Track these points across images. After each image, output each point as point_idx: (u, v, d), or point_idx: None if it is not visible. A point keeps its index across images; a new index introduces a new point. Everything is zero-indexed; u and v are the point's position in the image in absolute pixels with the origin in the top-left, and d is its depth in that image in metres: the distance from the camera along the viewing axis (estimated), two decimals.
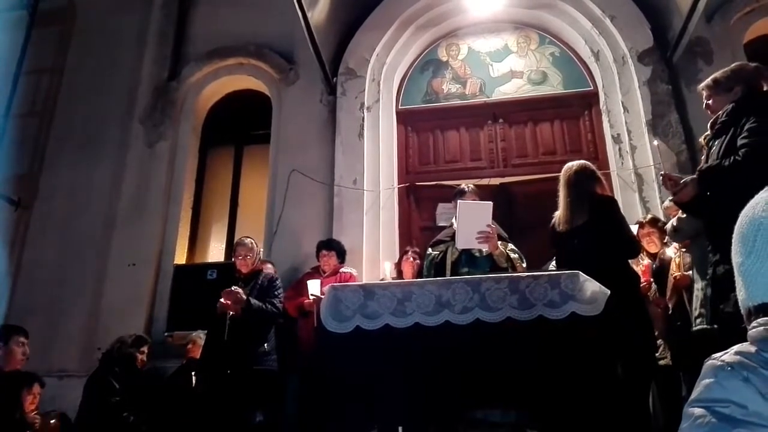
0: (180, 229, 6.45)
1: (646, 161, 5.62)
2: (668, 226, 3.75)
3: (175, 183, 6.61)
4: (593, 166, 3.60)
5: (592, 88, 6.39)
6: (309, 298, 4.42)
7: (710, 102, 2.89)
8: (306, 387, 4.56)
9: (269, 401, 4.33)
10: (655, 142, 3.28)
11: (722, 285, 2.53)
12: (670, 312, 4.10)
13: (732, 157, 2.54)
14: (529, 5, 6.60)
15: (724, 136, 2.69)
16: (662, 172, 2.86)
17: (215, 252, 6.72)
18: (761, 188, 0.87)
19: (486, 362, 2.58)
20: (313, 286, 4.34)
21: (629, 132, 5.82)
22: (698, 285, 3.62)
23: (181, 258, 6.42)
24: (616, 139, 5.91)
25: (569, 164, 3.58)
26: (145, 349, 4.98)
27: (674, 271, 4.00)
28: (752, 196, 0.88)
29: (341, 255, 5.11)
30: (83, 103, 7.11)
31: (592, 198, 3.39)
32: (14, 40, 7.44)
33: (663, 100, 5.78)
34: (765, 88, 2.79)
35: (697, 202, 2.72)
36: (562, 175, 3.54)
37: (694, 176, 2.73)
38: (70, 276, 6.21)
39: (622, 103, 5.96)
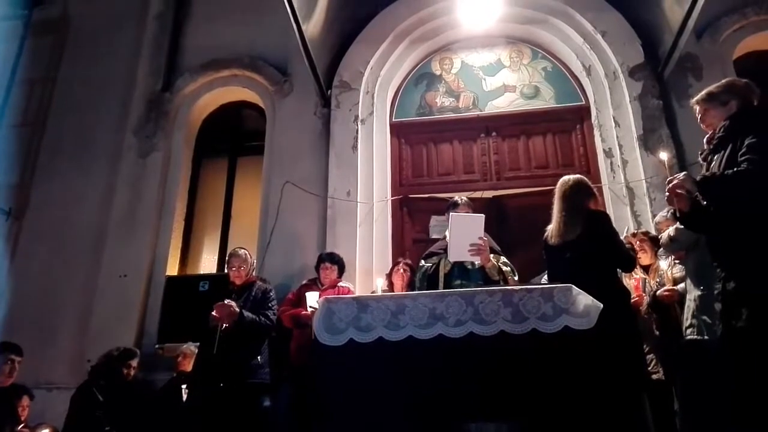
0: (172, 240, 6.42)
1: (638, 175, 5.67)
2: (663, 236, 3.76)
3: (167, 194, 6.58)
4: (588, 182, 3.62)
5: (583, 102, 6.46)
6: (307, 310, 4.40)
7: (705, 116, 2.90)
8: (298, 400, 4.52)
9: (261, 414, 4.29)
10: (664, 157, 3.28)
11: (733, 301, 2.55)
12: (654, 326, 4.12)
13: (734, 169, 2.54)
14: (521, 21, 6.68)
15: (722, 151, 2.69)
16: (669, 188, 2.82)
17: (208, 263, 6.69)
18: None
19: (479, 375, 2.58)
20: (312, 298, 4.32)
21: (620, 146, 5.88)
22: (690, 296, 3.63)
23: (173, 269, 6.38)
24: (608, 153, 5.97)
25: (565, 178, 3.61)
26: (133, 362, 4.94)
27: (667, 284, 4.00)
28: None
29: (342, 270, 5.09)
30: (76, 113, 7.10)
31: (586, 213, 3.42)
32: (7, 50, 7.45)
33: (654, 115, 5.84)
34: (755, 104, 2.81)
35: (698, 215, 2.72)
36: (558, 189, 3.57)
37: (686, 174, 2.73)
38: (61, 287, 6.17)
39: (614, 117, 6.02)
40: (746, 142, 2.57)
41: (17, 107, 7.23)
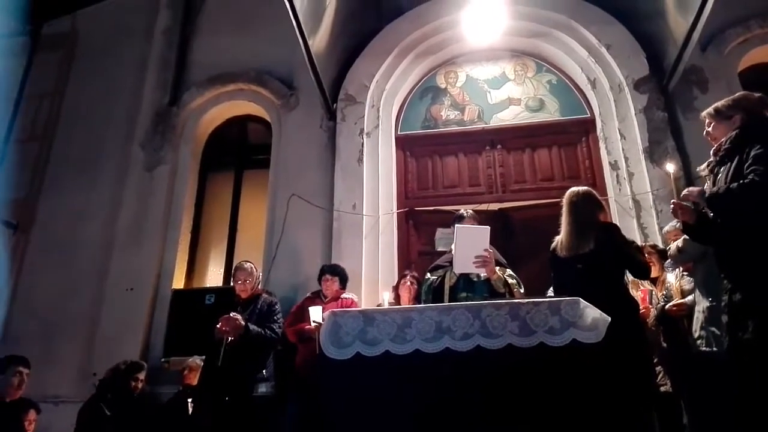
0: (178, 253, 6.44)
1: (644, 188, 5.66)
2: (672, 247, 3.75)
3: (174, 207, 6.61)
4: (597, 194, 3.61)
5: (589, 115, 6.47)
6: (310, 324, 4.39)
7: (711, 129, 2.93)
8: (304, 414, 4.50)
9: (266, 428, 4.27)
10: (671, 169, 3.30)
11: (740, 313, 2.54)
12: (661, 338, 4.10)
13: (740, 181, 2.55)
14: (526, 34, 6.71)
15: (729, 163, 2.71)
16: (673, 201, 2.84)
17: (214, 277, 6.69)
18: None
19: (486, 389, 2.57)
20: (315, 313, 4.30)
21: (626, 159, 5.88)
22: (699, 307, 3.61)
23: (179, 283, 6.40)
24: (614, 166, 5.96)
25: (574, 189, 3.58)
26: (140, 375, 4.94)
27: (674, 296, 3.98)
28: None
29: (344, 281, 5.08)
30: (83, 127, 7.17)
31: (597, 225, 3.40)
32: (16, 65, 7.54)
33: (659, 128, 5.84)
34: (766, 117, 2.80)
35: (703, 227, 2.72)
36: (566, 201, 3.53)
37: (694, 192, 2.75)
38: (67, 300, 6.18)
39: (619, 130, 6.02)
40: (752, 153, 2.59)
41: (25, 122, 7.31)
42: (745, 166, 2.58)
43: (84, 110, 7.29)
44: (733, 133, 2.75)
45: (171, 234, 6.49)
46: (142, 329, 5.96)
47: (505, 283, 3.85)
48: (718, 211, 2.65)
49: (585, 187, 3.63)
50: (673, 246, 3.73)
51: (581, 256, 3.33)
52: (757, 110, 2.79)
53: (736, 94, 2.93)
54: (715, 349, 3.44)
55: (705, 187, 2.76)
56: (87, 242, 6.48)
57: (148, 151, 6.85)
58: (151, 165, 6.76)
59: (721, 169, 2.78)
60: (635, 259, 3.41)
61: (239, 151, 7.28)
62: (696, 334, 3.61)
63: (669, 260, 4.08)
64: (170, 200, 6.62)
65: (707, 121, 2.95)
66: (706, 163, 2.95)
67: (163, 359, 5.84)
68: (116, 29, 7.69)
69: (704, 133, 2.98)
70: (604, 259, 3.26)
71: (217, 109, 7.19)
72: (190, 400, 4.84)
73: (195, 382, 4.93)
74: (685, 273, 3.96)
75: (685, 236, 3.40)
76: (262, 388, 4.19)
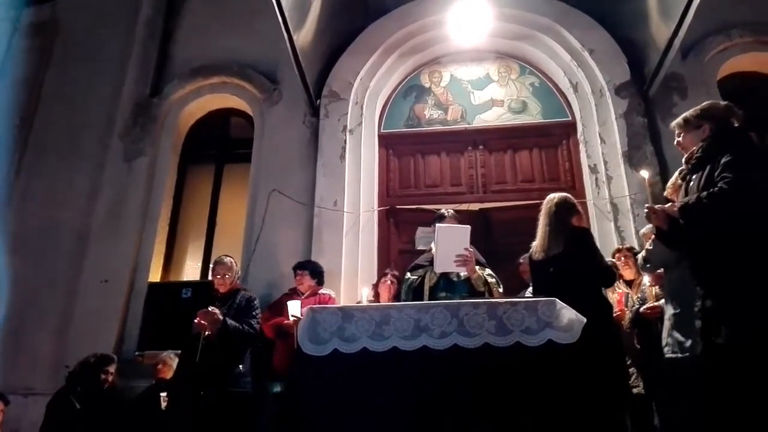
0: (156, 246, 6.35)
1: (622, 191, 5.73)
2: (639, 257, 3.80)
3: (152, 200, 6.53)
4: (573, 200, 3.67)
5: (570, 118, 6.53)
6: (289, 319, 4.37)
7: (680, 139, 3.00)
8: (281, 410, 4.48)
9: (243, 424, 4.24)
10: (645, 174, 3.38)
11: (713, 318, 2.58)
12: (636, 340, 4.15)
13: (710, 190, 2.61)
14: (510, 36, 6.75)
15: (701, 172, 2.77)
16: (647, 205, 2.89)
17: (191, 271, 6.63)
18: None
19: (463, 387, 2.58)
20: (294, 307, 4.29)
21: (606, 162, 5.94)
22: (667, 314, 3.66)
23: (155, 276, 6.32)
24: (593, 169, 6.03)
25: (551, 196, 3.67)
26: (110, 368, 4.87)
27: (649, 299, 4.04)
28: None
29: (315, 275, 5.06)
30: (63, 115, 7.04)
31: (568, 229, 3.46)
32: None
33: (639, 133, 5.91)
34: (736, 125, 2.87)
35: (676, 232, 2.76)
36: (544, 206, 3.63)
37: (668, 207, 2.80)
38: (41, 290, 6.07)
39: (599, 134, 6.08)
40: (722, 161, 2.65)
41: (3, 108, 7.16)
42: (715, 174, 2.64)
43: (64, 98, 7.16)
44: (703, 143, 2.81)
45: (148, 226, 6.40)
46: (117, 322, 5.87)
47: (485, 282, 3.88)
48: (690, 220, 2.70)
49: (561, 194, 3.71)
50: (639, 256, 3.78)
51: (552, 259, 3.40)
52: (724, 119, 2.86)
53: (704, 104, 3.00)
54: (679, 355, 3.48)
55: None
56: (63, 231, 6.37)
57: (127, 142, 6.75)
58: (131, 156, 6.66)
59: (693, 177, 2.84)
60: (600, 266, 3.46)
61: (220, 145, 7.21)
62: (664, 341, 3.65)
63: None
64: (149, 192, 6.53)
65: (677, 131, 3.03)
66: (678, 172, 3.01)
67: (137, 353, 5.76)
68: (98, 18, 7.57)
69: (675, 142, 3.05)
70: (573, 262, 3.31)
71: (198, 102, 7.11)
72: (163, 394, 4.78)
73: (168, 376, 4.88)
74: (656, 286, 4.01)
75: (649, 246, 3.45)
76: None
